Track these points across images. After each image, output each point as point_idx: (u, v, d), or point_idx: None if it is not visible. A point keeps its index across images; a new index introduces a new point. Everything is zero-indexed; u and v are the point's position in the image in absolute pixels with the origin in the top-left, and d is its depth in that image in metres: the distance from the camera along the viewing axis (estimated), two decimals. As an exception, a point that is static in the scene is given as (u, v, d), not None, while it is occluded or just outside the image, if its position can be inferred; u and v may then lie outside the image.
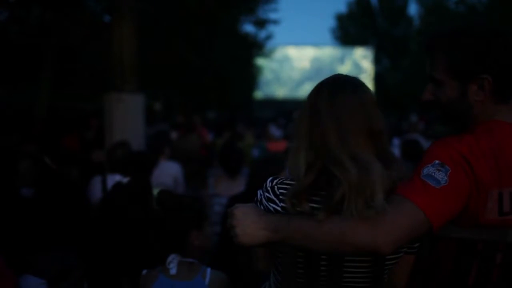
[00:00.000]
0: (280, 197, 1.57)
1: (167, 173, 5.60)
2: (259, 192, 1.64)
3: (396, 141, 7.53)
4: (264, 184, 1.63)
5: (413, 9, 59.73)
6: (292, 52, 39.91)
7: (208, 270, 2.11)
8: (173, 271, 2.05)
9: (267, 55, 27.07)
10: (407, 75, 29.31)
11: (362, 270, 1.57)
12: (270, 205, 1.60)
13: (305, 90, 37.60)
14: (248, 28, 23.13)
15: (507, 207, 1.51)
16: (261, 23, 21.52)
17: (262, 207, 1.61)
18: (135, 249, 2.32)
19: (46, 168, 3.69)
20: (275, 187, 1.60)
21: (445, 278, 1.64)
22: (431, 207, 1.44)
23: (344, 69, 36.91)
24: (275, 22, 22.07)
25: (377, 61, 35.50)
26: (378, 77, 34.32)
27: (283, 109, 25.09)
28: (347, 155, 1.48)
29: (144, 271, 2.13)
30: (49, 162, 3.71)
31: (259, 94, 37.12)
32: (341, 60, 38.32)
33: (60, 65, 12.81)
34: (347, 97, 1.54)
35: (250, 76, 28.28)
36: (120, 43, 6.01)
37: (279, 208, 1.57)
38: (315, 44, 41.74)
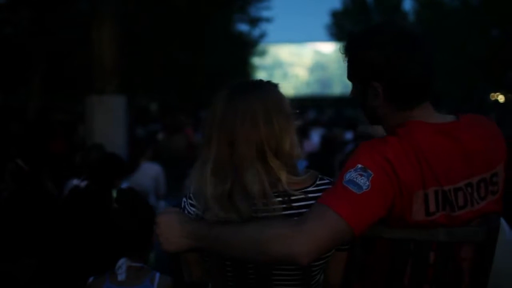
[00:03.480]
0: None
1: (148, 174, 5.63)
2: (183, 199, 1.67)
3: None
4: (187, 192, 1.65)
5: (407, 4, 59.62)
6: (285, 55, 33.77)
7: (157, 274, 2.10)
8: (122, 276, 2.02)
9: (261, 54, 27.00)
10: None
11: (291, 272, 1.56)
12: (191, 209, 1.62)
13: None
14: (242, 27, 23.09)
15: (432, 206, 1.51)
16: (254, 21, 21.52)
17: (186, 212, 1.63)
18: (88, 254, 2.31)
19: (19, 170, 3.69)
20: (186, 207, 1.64)
21: (382, 278, 1.64)
22: (352, 214, 1.42)
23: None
24: (267, 20, 22.09)
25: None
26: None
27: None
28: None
29: (91, 279, 2.11)
30: (22, 164, 3.71)
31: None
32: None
33: (50, 68, 12.82)
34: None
35: (246, 74, 28.23)
36: (100, 46, 6.02)
37: (200, 213, 1.58)
38: (314, 40, 37.08)
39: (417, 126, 1.57)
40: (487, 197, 1.59)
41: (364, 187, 1.44)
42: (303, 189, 1.55)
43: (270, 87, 1.61)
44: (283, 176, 1.51)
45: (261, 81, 1.64)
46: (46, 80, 12.66)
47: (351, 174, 1.46)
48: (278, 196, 1.52)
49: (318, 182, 1.58)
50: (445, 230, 1.55)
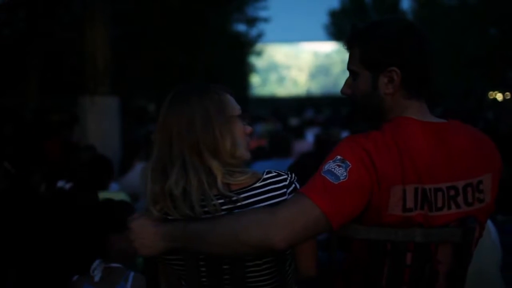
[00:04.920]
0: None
1: (141, 175, 5.61)
2: None
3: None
4: None
5: (405, 3, 59.84)
6: (282, 58, 30.69)
7: (131, 274, 2.12)
8: (97, 278, 2.07)
9: (258, 54, 26.98)
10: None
11: (265, 269, 1.57)
12: None
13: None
14: (240, 27, 23.08)
15: (410, 203, 1.51)
16: (251, 21, 21.54)
17: None
18: (67, 255, 2.32)
19: (6, 173, 3.68)
20: None
21: (360, 279, 1.63)
22: (327, 202, 1.44)
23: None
24: (265, 20, 22.11)
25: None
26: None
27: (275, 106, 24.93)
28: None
29: (75, 277, 2.15)
30: (9, 167, 3.70)
31: (254, 92, 31.94)
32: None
33: (47, 68, 12.82)
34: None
35: (244, 74, 28.19)
36: (93, 46, 6.02)
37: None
38: (313, 40, 34.33)
39: (404, 121, 1.58)
40: (474, 204, 1.58)
41: (342, 177, 1.46)
42: (247, 187, 1.57)
43: (214, 91, 1.64)
44: (219, 176, 1.54)
45: (206, 84, 1.67)
46: (43, 80, 12.66)
47: (329, 165, 1.49)
48: (218, 196, 1.54)
49: (265, 177, 1.60)
50: (421, 231, 1.54)
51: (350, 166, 1.47)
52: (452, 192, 1.55)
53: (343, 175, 1.46)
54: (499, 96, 24.94)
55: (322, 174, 1.48)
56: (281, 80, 32.88)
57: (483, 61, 21.12)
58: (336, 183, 1.45)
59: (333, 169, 1.47)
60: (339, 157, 1.49)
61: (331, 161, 1.50)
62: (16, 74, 13.05)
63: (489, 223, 2.43)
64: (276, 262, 1.57)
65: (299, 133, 8.65)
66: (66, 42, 12.78)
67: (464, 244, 1.57)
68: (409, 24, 1.65)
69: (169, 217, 1.55)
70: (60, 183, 2.60)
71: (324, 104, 27.50)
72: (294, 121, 14.05)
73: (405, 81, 1.60)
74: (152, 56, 16.14)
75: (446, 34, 23.89)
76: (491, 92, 25.65)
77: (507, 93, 23.57)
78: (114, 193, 3.66)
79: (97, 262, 2.09)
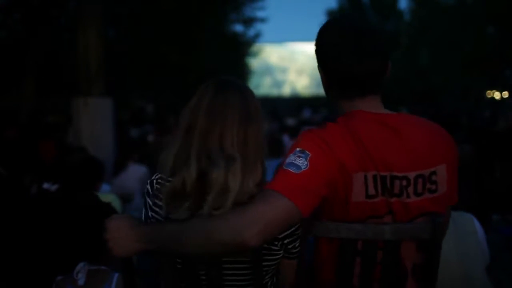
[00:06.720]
0: (155, 192, 1.61)
1: (134, 176, 5.62)
2: (155, 178, 1.67)
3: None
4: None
5: (403, 3, 60.13)
6: (276, 59, 30.05)
7: (115, 275, 2.10)
8: (81, 281, 2.04)
9: (255, 54, 26.97)
10: (398, 69, 29.31)
11: (242, 275, 1.57)
12: (147, 199, 1.64)
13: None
14: (237, 27, 23.06)
15: (372, 190, 1.54)
16: (248, 22, 21.52)
17: (147, 199, 1.65)
18: (51, 258, 2.30)
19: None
20: (154, 181, 1.63)
21: (331, 279, 1.64)
22: (294, 192, 1.46)
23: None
24: (262, 20, 22.11)
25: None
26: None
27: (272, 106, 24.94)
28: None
29: (59, 277, 2.11)
30: (0, 169, 3.70)
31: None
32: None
33: (44, 69, 12.82)
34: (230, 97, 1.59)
35: (241, 75, 28.18)
36: (86, 47, 6.01)
37: (151, 203, 1.62)
38: (311, 40, 36.26)
39: (356, 114, 1.62)
40: (424, 194, 1.59)
41: (303, 167, 1.49)
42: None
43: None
44: (253, 177, 1.54)
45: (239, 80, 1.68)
46: (39, 82, 12.65)
47: (290, 158, 1.53)
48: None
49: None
50: (390, 228, 1.56)
51: (310, 155, 1.50)
52: (404, 182, 1.57)
53: (304, 164, 1.49)
54: (497, 95, 24.96)
55: (284, 167, 1.51)
56: (277, 84, 32.08)
57: (481, 60, 21.12)
58: (299, 172, 1.48)
59: (294, 161, 1.50)
60: (298, 149, 1.53)
61: (291, 154, 1.53)
62: (13, 76, 13.04)
63: (477, 225, 2.41)
64: (253, 265, 1.57)
65: (295, 133, 8.66)
66: (62, 43, 12.79)
67: (432, 240, 1.59)
68: (352, 25, 1.64)
69: (172, 216, 1.54)
70: (46, 185, 2.58)
71: (322, 104, 27.51)
72: (290, 121, 14.06)
73: (331, 80, 1.66)
74: (149, 57, 16.14)
75: (444, 33, 23.91)
76: (489, 91, 25.68)
77: (505, 92, 23.59)
78: (103, 194, 3.65)
79: (81, 264, 2.05)
